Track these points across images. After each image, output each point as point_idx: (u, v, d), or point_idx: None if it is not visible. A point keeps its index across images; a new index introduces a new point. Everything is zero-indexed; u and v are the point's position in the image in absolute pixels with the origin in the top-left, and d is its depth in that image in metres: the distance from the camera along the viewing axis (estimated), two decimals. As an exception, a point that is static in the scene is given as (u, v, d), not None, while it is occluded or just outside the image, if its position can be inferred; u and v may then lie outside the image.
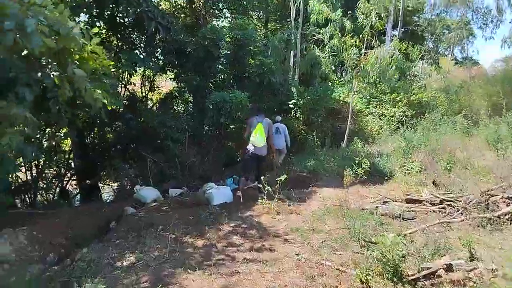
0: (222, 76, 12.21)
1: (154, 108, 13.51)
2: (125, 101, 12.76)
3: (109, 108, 5.01)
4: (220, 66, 12.04)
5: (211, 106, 10.43)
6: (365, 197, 6.97)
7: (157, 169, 11.18)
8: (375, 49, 10.53)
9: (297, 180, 8.57)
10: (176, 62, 11.99)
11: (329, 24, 10.76)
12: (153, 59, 11.32)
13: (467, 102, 14.48)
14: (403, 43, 10.99)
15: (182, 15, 14.13)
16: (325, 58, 10.76)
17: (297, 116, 15.49)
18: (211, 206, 7.31)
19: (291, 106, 15.47)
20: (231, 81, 12.44)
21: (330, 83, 16.60)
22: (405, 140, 9.53)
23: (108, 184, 12.18)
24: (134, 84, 14.25)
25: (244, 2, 16.13)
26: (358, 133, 13.54)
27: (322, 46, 11.28)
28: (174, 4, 14.50)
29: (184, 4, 14.32)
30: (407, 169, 8.32)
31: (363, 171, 6.42)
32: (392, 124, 13.72)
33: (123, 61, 10.24)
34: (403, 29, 23.09)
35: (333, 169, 9.21)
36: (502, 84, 14.18)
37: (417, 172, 8.03)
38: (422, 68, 25.78)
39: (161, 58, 11.87)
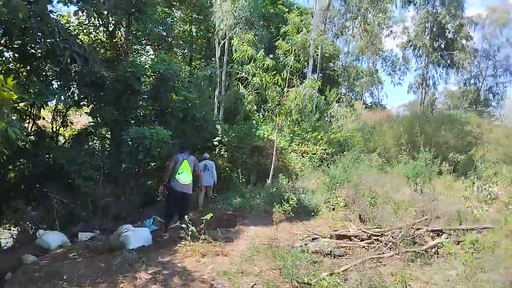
0: (143, 111, 11.70)
1: (66, 144, 12.44)
2: (32, 137, 11.63)
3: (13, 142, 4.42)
4: (140, 102, 11.55)
5: (129, 142, 9.82)
6: (294, 234, 6.84)
7: (66, 210, 10.07)
8: (295, 87, 10.93)
9: (223, 218, 8.24)
10: (93, 95, 11.28)
11: (252, 62, 10.95)
12: (66, 92, 10.52)
13: (380, 141, 15.59)
14: (318, 82, 11.58)
15: (102, 50, 13.53)
16: (248, 95, 10.85)
17: (222, 153, 15.34)
18: (127, 250, 6.64)
19: (216, 143, 15.31)
20: (153, 117, 11.98)
21: (254, 121, 16.85)
22: (328, 176, 9.79)
23: (8, 229, 10.67)
24: (44, 119, 13.11)
25: (169, 39, 16.05)
26: (282, 169, 13.70)
27: (246, 84, 11.42)
28: (94, 39, 13.87)
29: (105, 39, 13.76)
30: (332, 205, 8.47)
31: (290, 207, 6.36)
32: (314, 161, 14.16)
33: (31, 92, 9.37)
34: (321, 74, 24.75)
35: (259, 206, 9.06)
36: (404, 126, 15.65)
37: (342, 207, 8.19)
38: (338, 110, 27.70)
39: (76, 91, 11.06)
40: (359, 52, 32.09)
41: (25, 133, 9.32)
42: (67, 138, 13.07)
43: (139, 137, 9.73)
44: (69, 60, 9.81)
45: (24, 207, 9.83)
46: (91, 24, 13.77)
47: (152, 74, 11.59)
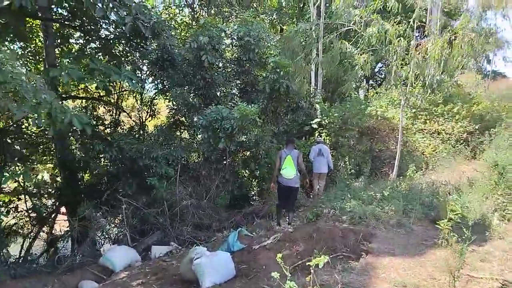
0: (224, 89, 9.67)
1: (150, 137, 11.15)
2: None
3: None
4: (220, 78, 9.52)
5: (204, 127, 7.89)
6: (472, 278, 4.07)
7: (138, 217, 8.59)
8: (432, 37, 7.80)
9: (334, 235, 5.77)
10: (165, 75, 9.60)
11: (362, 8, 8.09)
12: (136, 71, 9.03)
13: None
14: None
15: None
16: (360, 54, 8.02)
17: (323, 138, 12.81)
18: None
19: (315, 126, 12.83)
20: (235, 96, 9.93)
21: (361, 95, 13.93)
22: (494, 165, 6.65)
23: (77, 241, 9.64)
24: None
25: (254, 4, 13.88)
26: (406, 157, 10.69)
27: (354, 40, 8.63)
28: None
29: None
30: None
31: (450, 224, 3.82)
32: (450, 143, 10.83)
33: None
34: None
35: (389, 216, 6.36)
36: None
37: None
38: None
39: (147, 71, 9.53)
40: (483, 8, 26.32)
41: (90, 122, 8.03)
42: (152, 131, 11.88)
43: (216, 119, 7.74)
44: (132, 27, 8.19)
45: (93, 214, 8.55)
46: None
47: (231, 42, 9.48)
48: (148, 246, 8.02)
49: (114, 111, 14.73)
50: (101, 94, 15.31)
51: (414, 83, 8.49)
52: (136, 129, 12.42)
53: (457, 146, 10.77)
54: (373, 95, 13.78)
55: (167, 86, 9.75)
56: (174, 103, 9.49)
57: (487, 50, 23.70)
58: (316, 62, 8.81)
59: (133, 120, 13.15)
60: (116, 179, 9.89)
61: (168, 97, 10.00)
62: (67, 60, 8.51)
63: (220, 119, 7.81)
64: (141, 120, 12.93)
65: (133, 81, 8.33)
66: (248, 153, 10.82)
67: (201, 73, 8.86)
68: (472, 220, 4.92)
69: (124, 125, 13.12)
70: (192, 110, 9.33)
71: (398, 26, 7.58)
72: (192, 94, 9.09)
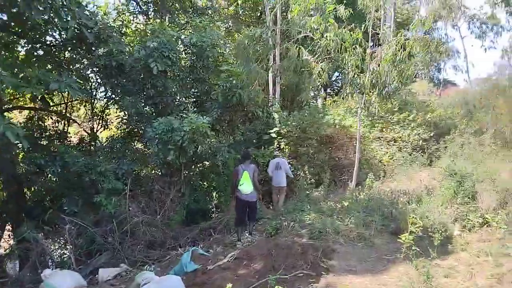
0: (176, 98, 9.23)
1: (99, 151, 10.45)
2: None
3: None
4: (172, 87, 9.07)
5: (156, 139, 7.46)
6: None
7: (85, 236, 7.95)
8: (386, 43, 7.79)
9: (294, 251, 5.49)
10: (113, 82, 9.05)
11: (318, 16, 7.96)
12: (76, 78, 8.42)
13: (493, 119, 11.92)
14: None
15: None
16: (316, 62, 7.90)
17: (282, 147, 12.66)
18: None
19: (273, 135, 12.66)
20: (189, 105, 9.54)
21: (319, 103, 13.94)
22: (449, 172, 6.67)
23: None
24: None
25: (209, 12, 13.59)
26: (364, 165, 10.70)
27: (311, 47, 8.50)
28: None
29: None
30: (472, 223, 5.47)
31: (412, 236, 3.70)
32: (406, 151, 10.96)
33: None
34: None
35: (349, 229, 6.16)
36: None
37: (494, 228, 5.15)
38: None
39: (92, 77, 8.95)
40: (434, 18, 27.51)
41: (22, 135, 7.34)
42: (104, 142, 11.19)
43: (166, 131, 7.33)
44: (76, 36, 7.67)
45: (33, 234, 7.81)
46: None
47: (185, 49, 9.10)
48: (96, 269, 7.40)
49: (64, 122, 13.90)
50: (50, 104, 14.47)
51: (371, 91, 8.48)
52: (87, 141, 11.70)
53: (414, 154, 10.93)
54: (330, 104, 13.83)
55: (118, 95, 9.21)
56: (125, 112, 8.93)
57: (438, 59, 24.72)
58: (274, 69, 8.57)
59: (84, 131, 12.39)
60: (61, 196, 9.17)
61: (119, 107, 9.45)
62: (1, 67, 7.79)
63: (169, 130, 7.39)
64: (92, 131, 12.23)
65: (75, 90, 7.73)
66: (207, 164, 10.45)
67: (151, 81, 8.39)
68: (433, 231, 4.80)
69: (73, 137, 12.34)
70: (144, 120, 8.83)
71: (353, 33, 7.53)
72: (143, 103, 8.60)
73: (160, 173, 9.70)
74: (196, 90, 9.45)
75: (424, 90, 18.57)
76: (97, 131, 12.19)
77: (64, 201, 8.63)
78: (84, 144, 10.95)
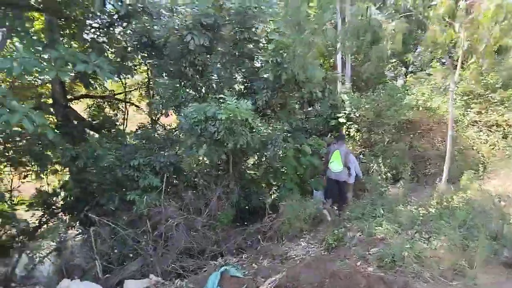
0: (216, 79, 7.81)
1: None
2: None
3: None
4: (215, 63, 7.68)
5: (185, 130, 6.20)
6: None
7: (118, 239, 7.04)
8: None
9: (353, 286, 3.89)
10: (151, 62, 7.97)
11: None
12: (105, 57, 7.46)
13: None
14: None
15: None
16: (387, 22, 5.95)
17: (352, 134, 10.86)
18: None
19: (342, 120, 10.90)
20: (229, 87, 8.16)
21: (398, 84, 11.76)
22: None
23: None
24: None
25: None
26: (457, 157, 8.52)
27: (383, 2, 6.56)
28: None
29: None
30: None
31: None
32: (508, 139, 8.54)
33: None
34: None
35: (439, 256, 4.36)
36: None
37: None
38: None
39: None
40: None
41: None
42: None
43: (199, 121, 6.03)
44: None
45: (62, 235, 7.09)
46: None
47: (227, 19, 7.64)
48: (121, 282, 6.45)
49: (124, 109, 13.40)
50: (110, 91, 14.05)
51: (466, 60, 6.32)
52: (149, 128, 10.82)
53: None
54: (412, 82, 11.53)
55: (156, 77, 8.16)
56: (159, 96, 7.81)
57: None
58: (336, 36, 6.79)
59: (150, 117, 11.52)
60: (102, 192, 8.40)
61: (153, 89, 8.40)
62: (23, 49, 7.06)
63: (203, 120, 6.09)
64: (151, 118, 11.37)
65: (105, 71, 6.75)
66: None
67: (189, 58, 7.12)
68: None
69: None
70: (183, 106, 7.64)
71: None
72: (180, 85, 7.40)
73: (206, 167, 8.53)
74: (242, 68, 7.97)
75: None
76: (157, 118, 11.30)
77: (99, 198, 7.79)
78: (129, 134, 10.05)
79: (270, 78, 7.15)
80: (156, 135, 8.45)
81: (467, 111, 9.51)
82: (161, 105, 7.63)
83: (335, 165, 7.95)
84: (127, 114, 13.54)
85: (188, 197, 8.02)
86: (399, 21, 5.85)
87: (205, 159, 8.34)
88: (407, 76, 12.07)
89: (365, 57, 10.41)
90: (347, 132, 10.99)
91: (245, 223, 8.13)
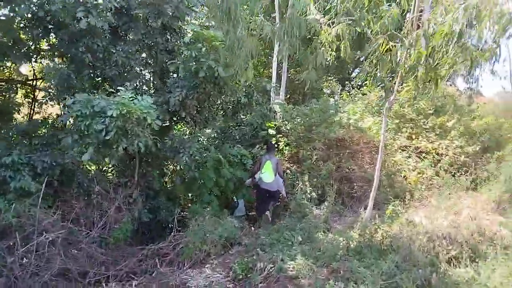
0: (120, 68, 6.54)
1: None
2: None
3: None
4: (119, 51, 6.43)
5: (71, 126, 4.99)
6: None
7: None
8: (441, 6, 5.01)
9: None
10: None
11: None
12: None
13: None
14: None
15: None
16: (326, 27, 5.21)
17: (281, 147, 10.15)
18: None
19: (272, 131, 10.18)
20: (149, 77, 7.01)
21: (330, 97, 11.29)
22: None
23: None
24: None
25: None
26: (383, 182, 8.04)
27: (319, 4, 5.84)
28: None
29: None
30: None
31: None
32: (442, 167, 8.24)
33: None
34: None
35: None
36: None
37: None
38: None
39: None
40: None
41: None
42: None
43: (84, 115, 4.84)
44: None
45: None
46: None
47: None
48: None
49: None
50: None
51: (405, 76, 5.75)
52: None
53: (451, 171, 8.24)
54: (346, 98, 11.08)
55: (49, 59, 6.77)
56: (50, 83, 6.40)
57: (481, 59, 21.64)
58: (273, 31, 5.89)
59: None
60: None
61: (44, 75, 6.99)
62: None
63: (89, 115, 4.88)
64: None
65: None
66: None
67: (85, 41, 5.86)
68: None
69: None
70: (64, 92, 6.29)
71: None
72: (74, 73, 6.11)
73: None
74: (152, 61, 6.82)
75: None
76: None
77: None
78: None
79: (181, 73, 6.09)
80: (44, 129, 6.98)
81: (397, 134, 9.14)
82: (50, 94, 6.25)
83: (267, 176, 7.70)
84: (34, 102, 11.64)
85: (79, 206, 6.74)
86: (344, 25, 5.11)
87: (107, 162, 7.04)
88: (342, 93, 11.63)
89: (303, 66, 9.73)
90: (276, 145, 10.28)
91: (146, 241, 6.95)
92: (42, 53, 7.14)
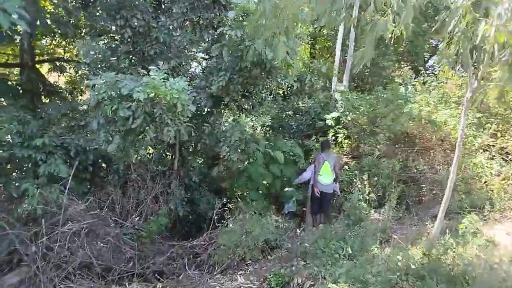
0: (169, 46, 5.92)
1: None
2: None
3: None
4: (162, 26, 5.83)
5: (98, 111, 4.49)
6: None
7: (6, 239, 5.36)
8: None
9: None
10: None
11: None
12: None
13: None
14: None
15: None
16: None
17: (340, 141, 9.19)
18: None
19: (330, 122, 9.26)
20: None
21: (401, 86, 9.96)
22: None
23: None
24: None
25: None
26: (460, 188, 6.78)
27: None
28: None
29: None
30: None
31: None
32: None
33: None
34: None
35: None
36: None
37: None
38: None
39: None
40: None
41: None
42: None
43: (111, 97, 4.31)
44: None
45: None
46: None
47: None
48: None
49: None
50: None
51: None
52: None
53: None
54: (419, 87, 9.68)
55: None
56: (85, 59, 5.98)
57: None
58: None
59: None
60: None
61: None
62: None
63: (116, 98, 4.33)
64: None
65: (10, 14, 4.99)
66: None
67: (125, 14, 5.34)
68: None
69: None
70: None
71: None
72: (111, 50, 5.64)
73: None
74: (200, 41, 6.16)
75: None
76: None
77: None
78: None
79: (225, 57, 5.35)
80: (80, 109, 6.66)
81: (479, 131, 7.71)
82: (86, 70, 5.88)
83: (325, 178, 7.30)
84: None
85: (115, 194, 6.40)
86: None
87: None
88: (414, 81, 10.25)
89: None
90: (333, 138, 9.31)
91: (183, 237, 6.45)
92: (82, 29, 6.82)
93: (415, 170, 7.74)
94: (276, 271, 4.80)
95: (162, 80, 4.40)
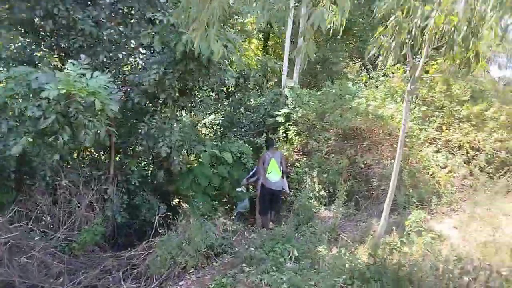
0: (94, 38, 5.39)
1: None
2: None
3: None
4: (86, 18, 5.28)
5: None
6: None
7: None
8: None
9: None
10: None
11: None
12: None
13: None
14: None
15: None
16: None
17: (290, 137, 8.99)
18: None
19: (280, 119, 9.03)
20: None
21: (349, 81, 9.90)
22: None
23: None
24: None
25: None
26: (406, 182, 6.73)
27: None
28: None
29: None
30: None
31: None
32: (477, 165, 6.85)
33: None
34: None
35: None
36: None
37: None
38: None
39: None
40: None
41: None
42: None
43: (18, 94, 3.80)
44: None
45: None
46: None
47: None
48: None
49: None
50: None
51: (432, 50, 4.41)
52: None
53: (488, 171, 6.85)
54: (365, 81, 9.65)
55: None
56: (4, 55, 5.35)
57: None
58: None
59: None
60: None
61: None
62: None
63: (26, 95, 3.79)
64: None
65: None
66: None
67: (45, 5, 4.75)
68: None
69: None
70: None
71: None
72: (40, 44, 5.05)
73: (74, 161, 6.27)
74: (134, 30, 5.66)
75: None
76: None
77: None
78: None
79: (157, 47, 4.93)
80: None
81: (424, 124, 7.74)
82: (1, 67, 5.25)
83: (274, 176, 7.11)
84: None
85: (44, 203, 5.80)
86: None
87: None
88: (361, 76, 10.26)
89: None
90: (284, 134, 9.10)
91: (122, 248, 5.95)
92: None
93: (364, 165, 7.66)
94: (218, 281, 4.46)
95: (79, 75, 3.92)
